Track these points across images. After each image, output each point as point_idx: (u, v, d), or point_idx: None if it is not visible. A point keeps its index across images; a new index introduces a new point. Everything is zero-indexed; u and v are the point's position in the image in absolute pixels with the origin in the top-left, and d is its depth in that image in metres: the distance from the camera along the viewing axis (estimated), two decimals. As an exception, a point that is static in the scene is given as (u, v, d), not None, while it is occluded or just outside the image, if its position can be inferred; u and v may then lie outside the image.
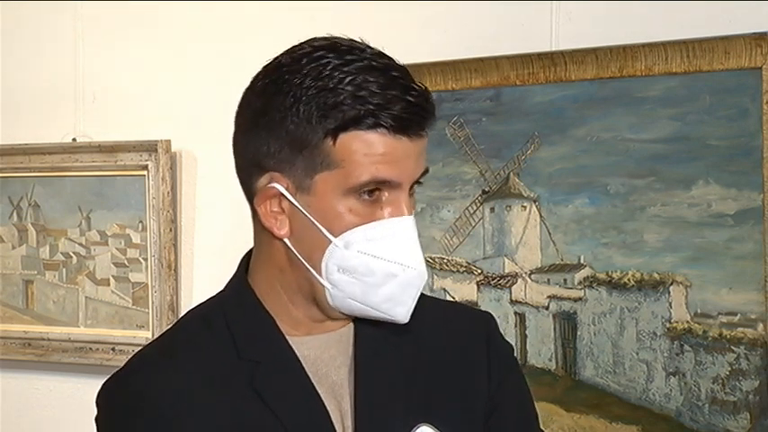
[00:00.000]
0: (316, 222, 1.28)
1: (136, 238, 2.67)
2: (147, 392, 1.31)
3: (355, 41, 1.30)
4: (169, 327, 1.43)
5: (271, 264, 1.35)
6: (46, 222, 2.79)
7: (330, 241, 1.28)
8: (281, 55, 1.31)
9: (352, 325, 1.37)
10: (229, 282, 1.40)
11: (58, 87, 2.77)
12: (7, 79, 2.84)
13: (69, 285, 2.77)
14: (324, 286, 1.31)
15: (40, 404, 2.81)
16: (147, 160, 2.61)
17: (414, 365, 1.37)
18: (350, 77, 1.25)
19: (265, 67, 1.32)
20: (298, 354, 1.33)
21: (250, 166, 1.32)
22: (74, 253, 2.76)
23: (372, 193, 1.28)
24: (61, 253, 2.78)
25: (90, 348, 2.72)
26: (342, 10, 2.29)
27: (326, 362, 1.34)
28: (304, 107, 1.26)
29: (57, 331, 2.77)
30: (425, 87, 1.29)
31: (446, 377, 1.38)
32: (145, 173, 2.62)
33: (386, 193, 1.28)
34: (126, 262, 2.69)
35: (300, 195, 1.29)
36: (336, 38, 1.30)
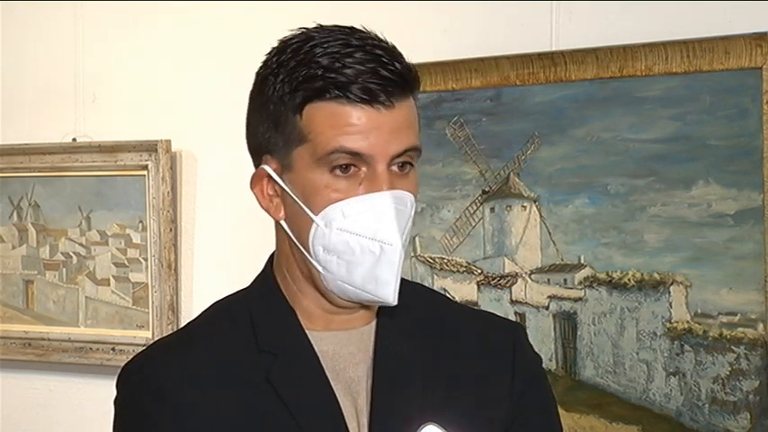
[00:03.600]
0: (298, 201, 1.29)
1: (136, 238, 2.67)
2: (162, 377, 1.32)
3: (352, 27, 1.30)
4: (195, 317, 1.45)
5: (281, 254, 1.36)
6: (46, 222, 2.79)
7: (313, 220, 1.28)
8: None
9: (374, 324, 1.37)
10: (257, 276, 1.41)
11: (58, 87, 2.77)
12: (7, 79, 2.84)
13: (69, 285, 2.77)
14: (317, 269, 1.31)
15: (40, 404, 2.81)
16: (147, 160, 2.61)
17: (433, 368, 1.36)
18: (327, 51, 1.26)
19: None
20: (316, 348, 1.33)
21: (253, 153, 1.34)
22: (74, 253, 2.76)
23: (347, 168, 1.27)
24: (61, 253, 2.78)
25: (90, 348, 2.72)
26: (342, 10, 2.29)
27: (345, 358, 1.34)
28: (279, 84, 1.28)
29: (57, 331, 2.77)
30: (408, 65, 1.28)
31: (465, 383, 1.37)
32: (145, 173, 2.62)
33: (363, 169, 1.27)
34: (126, 262, 2.69)
35: (285, 174, 1.30)
36: (331, 26, 1.31)
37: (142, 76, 2.69)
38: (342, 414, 1.31)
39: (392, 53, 1.28)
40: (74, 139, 2.73)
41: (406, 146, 1.29)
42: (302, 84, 1.26)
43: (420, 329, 1.38)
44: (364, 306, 1.35)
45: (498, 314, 1.57)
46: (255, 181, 1.33)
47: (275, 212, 1.33)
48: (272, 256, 1.41)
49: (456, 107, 2.27)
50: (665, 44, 2.03)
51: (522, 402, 1.40)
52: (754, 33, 1.95)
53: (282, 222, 1.33)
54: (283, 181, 1.30)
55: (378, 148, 1.26)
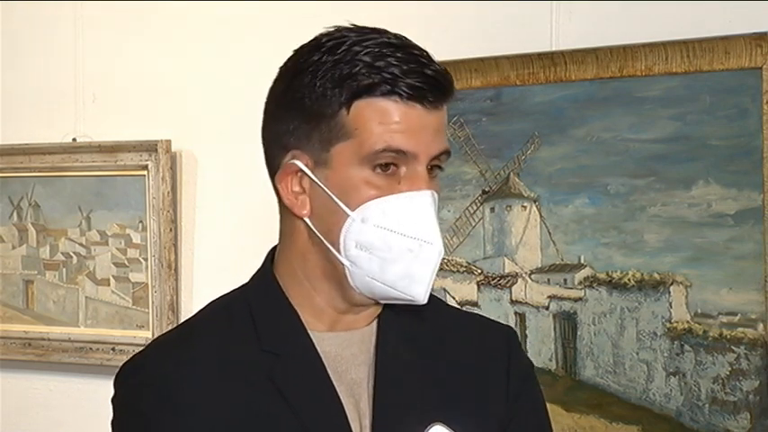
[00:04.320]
0: (333, 196, 1.28)
1: (136, 238, 2.67)
2: (162, 377, 1.31)
3: (379, 27, 1.31)
4: (192, 315, 1.44)
5: (293, 250, 1.35)
6: (46, 222, 2.79)
7: (348, 215, 1.28)
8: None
9: (374, 325, 1.37)
10: (255, 273, 1.40)
11: (58, 87, 2.77)
12: (7, 79, 2.84)
13: (69, 285, 2.77)
14: (343, 264, 1.30)
15: (40, 404, 2.81)
16: (147, 160, 2.61)
17: (433, 370, 1.37)
18: (368, 50, 1.26)
19: (292, 53, 1.34)
20: (319, 349, 1.33)
21: (273, 148, 1.33)
22: (74, 253, 2.76)
23: (388, 166, 1.27)
24: (61, 253, 2.78)
25: (90, 348, 2.72)
26: (343, 10, 2.29)
27: (347, 359, 1.34)
28: (320, 81, 1.27)
29: (57, 331, 2.77)
30: (446, 69, 1.30)
31: (464, 385, 1.38)
32: (145, 173, 2.62)
33: (403, 168, 1.28)
34: (126, 262, 2.69)
35: (319, 170, 1.29)
36: (361, 25, 1.32)
37: (142, 76, 2.69)
38: (346, 416, 1.31)
39: (428, 55, 1.29)
40: (74, 139, 2.73)
41: (443, 148, 1.31)
42: (348, 80, 1.26)
43: (419, 332, 1.38)
44: (377, 303, 1.35)
45: (491, 317, 1.57)
46: (282, 177, 1.32)
47: (299, 209, 1.32)
48: (271, 254, 1.40)
49: (456, 107, 2.26)
50: (665, 44, 2.03)
51: (517, 404, 1.41)
52: (754, 33, 1.95)
53: (306, 219, 1.32)
54: (316, 176, 1.29)
55: (422, 148, 1.28)
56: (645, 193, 2.07)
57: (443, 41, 2.29)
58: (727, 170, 1.99)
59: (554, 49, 2.17)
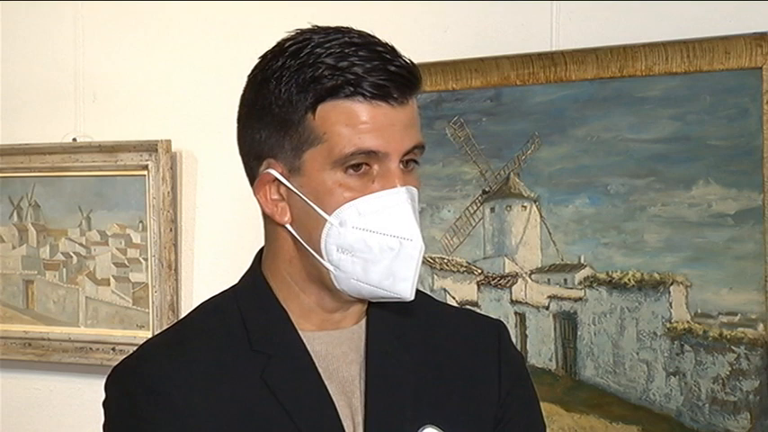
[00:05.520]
0: (310, 202, 1.28)
1: (136, 238, 2.67)
2: (157, 379, 1.31)
3: (346, 27, 1.30)
4: (182, 317, 1.43)
5: (280, 256, 1.35)
6: (46, 222, 2.80)
7: (326, 220, 1.28)
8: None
9: (363, 323, 1.37)
10: (244, 274, 1.40)
11: (58, 87, 2.77)
12: (7, 79, 2.84)
13: (69, 285, 2.77)
14: (327, 269, 1.30)
15: (40, 404, 2.81)
16: (147, 160, 2.61)
17: (424, 366, 1.37)
18: (330, 51, 1.25)
19: (258, 60, 1.33)
20: (309, 349, 1.33)
21: (249, 158, 1.33)
22: (74, 253, 2.76)
23: (360, 166, 1.27)
24: (61, 253, 2.78)
25: (90, 348, 2.72)
26: (342, 10, 2.30)
27: (338, 358, 1.34)
28: (285, 87, 1.27)
29: (57, 331, 2.77)
30: (411, 61, 1.29)
31: (456, 381, 1.38)
32: (145, 173, 2.62)
33: (375, 167, 1.27)
34: (126, 262, 2.69)
35: (294, 177, 1.29)
36: (324, 26, 1.31)
37: (142, 76, 2.69)
38: (337, 414, 1.31)
39: (393, 51, 1.28)
40: (74, 139, 2.73)
41: (416, 142, 1.30)
42: (311, 84, 1.25)
43: (409, 328, 1.38)
44: (360, 301, 1.35)
45: (480, 312, 1.57)
46: (259, 186, 1.32)
47: (280, 217, 1.32)
48: (259, 255, 1.40)
49: (456, 107, 2.27)
50: (665, 44, 2.03)
51: (509, 400, 1.41)
52: (754, 33, 1.95)
53: (288, 226, 1.32)
54: (292, 184, 1.29)
55: (393, 145, 1.27)
56: (645, 193, 2.07)
57: (443, 41, 2.30)
58: (727, 170, 1.99)
59: (554, 49, 2.17)
